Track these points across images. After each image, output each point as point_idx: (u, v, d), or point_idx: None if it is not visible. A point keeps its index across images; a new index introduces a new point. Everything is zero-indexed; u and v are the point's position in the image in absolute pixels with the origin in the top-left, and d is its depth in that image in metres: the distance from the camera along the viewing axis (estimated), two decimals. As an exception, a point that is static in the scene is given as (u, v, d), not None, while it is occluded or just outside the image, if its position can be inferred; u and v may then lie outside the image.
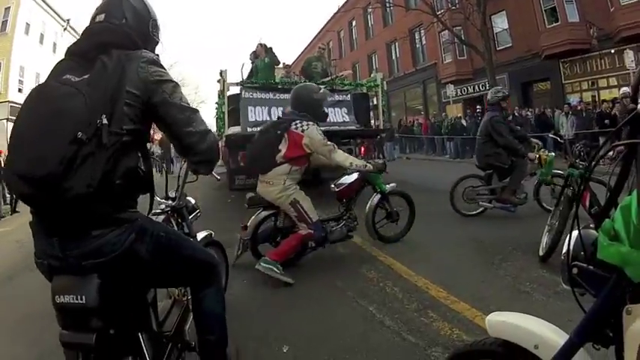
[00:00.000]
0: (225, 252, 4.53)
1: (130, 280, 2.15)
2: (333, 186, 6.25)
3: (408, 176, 15.53)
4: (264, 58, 12.14)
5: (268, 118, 10.30)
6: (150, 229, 2.23)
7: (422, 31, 32.43)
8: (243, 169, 10.89)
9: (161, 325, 2.66)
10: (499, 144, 7.53)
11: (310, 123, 5.29)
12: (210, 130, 2.32)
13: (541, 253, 5.27)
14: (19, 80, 29.93)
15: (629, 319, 1.39)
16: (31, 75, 31.41)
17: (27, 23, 30.85)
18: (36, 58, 31.84)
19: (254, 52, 13.00)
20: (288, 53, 55.97)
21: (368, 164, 5.60)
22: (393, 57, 39.73)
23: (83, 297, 1.97)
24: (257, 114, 10.45)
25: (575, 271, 1.63)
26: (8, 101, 28.24)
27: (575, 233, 1.68)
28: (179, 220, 3.66)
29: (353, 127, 11.12)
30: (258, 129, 6.41)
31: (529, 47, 24.98)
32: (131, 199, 2.18)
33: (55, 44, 35.63)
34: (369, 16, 42.34)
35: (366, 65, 42.02)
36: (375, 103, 13.37)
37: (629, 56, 18.12)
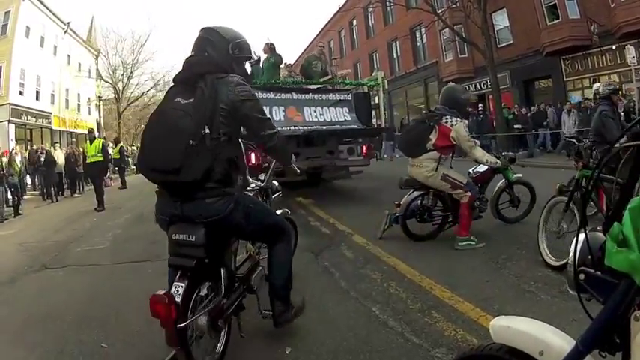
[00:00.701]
0: (296, 227, 5.38)
1: (224, 233, 3.31)
2: (470, 172, 7.03)
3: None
4: (270, 57, 12.11)
5: (269, 118, 10.31)
6: (242, 201, 3.33)
7: (423, 30, 32.45)
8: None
9: (236, 269, 3.85)
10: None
11: (458, 120, 6.14)
12: (275, 132, 3.50)
13: (550, 261, 5.12)
14: (20, 83, 29.85)
15: (637, 326, 1.36)
16: (32, 77, 31.45)
17: (27, 27, 30.77)
18: (37, 60, 31.85)
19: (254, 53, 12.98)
20: (289, 53, 55.90)
21: (498, 161, 6.51)
22: (394, 56, 39.65)
23: (193, 237, 3.06)
24: None
25: (581, 276, 1.58)
26: (9, 103, 28.18)
27: (581, 237, 1.64)
28: (264, 197, 4.79)
29: (354, 126, 11.11)
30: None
31: (530, 44, 24.91)
32: (231, 179, 3.22)
33: (55, 47, 35.63)
34: (369, 15, 42.26)
35: (368, 64, 41.94)
36: (376, 101, 13.38)
37: (630, 53, 18.03)
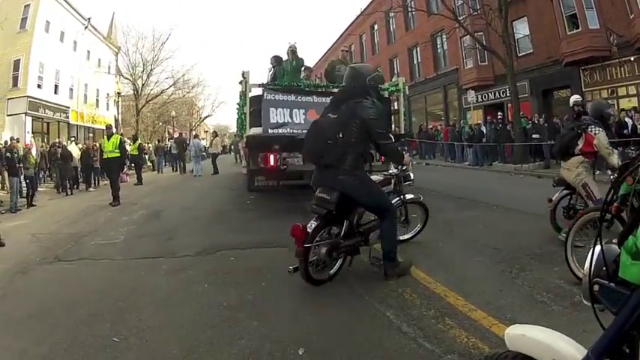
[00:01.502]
0: (427, 210, 7.01)
1: (349, 199, 5.09)
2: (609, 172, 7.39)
3: (427, 182, 15.52)
4: (292, 60, 12.12)
5: (290, 120, 10.39)
6: (366, 181, 5.36)
7: (443, 36, 32.33)
8: (264, 170, 10.88)
9: (358, 225, 5.62)
10: None
11: (600, 129, 6.63)
12: (388, 142, 5.46)
13: (582, 275, 5.10)
14: (39, 76, 30.16)
15: None
16: (50, 71, 31.77)
17: (47, 21, 31.09)
18: (56, 55, 32.15)
19: (275, 57, 12.99)
20: (309, 56, 55.86)
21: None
22: (415, 62, 39.55)
23: (329, 197, 5.02)
24: (279, 116, 10.44)
25: (596, 288, 1.61)
26: (27, 96, 28.49)
27: (597, 249, 1.66)
28: (398, 182, 6.39)
29: None
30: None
31: (550, 54, 24.78)
32: (359, 165, 5.24)
33: (75, 42, 35.94)
34: (390, 21, 42.20)
35: (388, 69, 41.82)
36: (396, 107, 13.34)
37: (649, 65, 17.91)
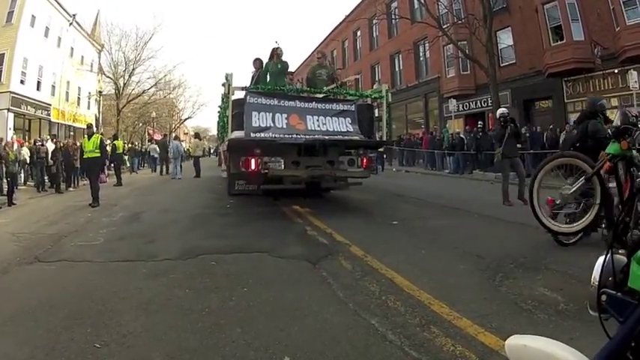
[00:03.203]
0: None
1: None
2: None
3: (408, 189, 15.60)
4: (276, 63, 12.05)
5: (272, 125, 10.29)
6: None
7: (426, 45, 32.54)
8: (244, 174, 10.87)
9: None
10: None
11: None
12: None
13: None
14: (22, 72, 29.82)
15: None
16: (34, 67, 31.37)
17: (33, 15, 30.74)
18: (40, 51, 31.79)
19: (258, 59, 12.93)
20: (291, 61, 55.85)
21: None
22: (396, 69, 39.79)
23: None
24: (261, 120, 10.34)
25: (603, 297, 1.60)
26: (10, 92, 28.11)
27: (604, 259, 1.65)
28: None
29: (356, 138, 10.98)
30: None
31: (532, 64, 25.02)
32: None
33: (59, 38, 35.58)
34: (374, 27, 42.41)
35: (369, 76, 42.07)
36: (378, 114, 13.34)
37: (633, 77, 18.08)
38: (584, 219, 5.54)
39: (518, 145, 12.79)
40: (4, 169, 15.19)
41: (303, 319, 4.16)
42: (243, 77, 14.24)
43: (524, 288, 5.04)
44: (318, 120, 10.79)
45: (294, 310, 4.56)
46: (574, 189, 5.35)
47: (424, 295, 4.84)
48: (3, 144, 16.11)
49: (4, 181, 15.47)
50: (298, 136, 10.23)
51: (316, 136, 10.43)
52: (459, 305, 4.52)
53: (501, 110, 12.35)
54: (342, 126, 10.97)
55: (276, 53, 12.15)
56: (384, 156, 27.57)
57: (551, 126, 22.10)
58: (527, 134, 21.15)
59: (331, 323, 4.19)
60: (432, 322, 4.16)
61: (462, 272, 5.79)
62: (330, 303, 4.73)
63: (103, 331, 4.11)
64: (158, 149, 30.61)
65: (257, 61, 12.82)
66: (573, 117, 22.52)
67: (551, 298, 4.70)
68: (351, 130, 11.02)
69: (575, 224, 5.50)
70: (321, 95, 11.70)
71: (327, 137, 10.54)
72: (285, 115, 10.56)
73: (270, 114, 10.46)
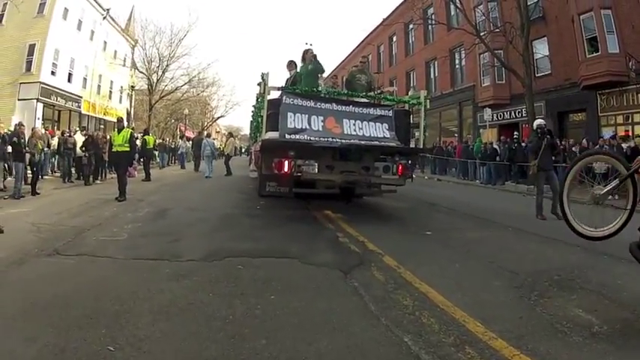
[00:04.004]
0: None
1: None
2: None
3: (441, 198, 15.39)
4: (309, 64, 11.91)
5: (307, 127, 10.18)
6: None
7: (462, 52, 32.33)
8: (276, 175, 10.78)
9: None
10: None
11: None
12: None
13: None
14: (53, 63, 30.39)
15: None
16: (65, 59, 31.99)
17: (65, 8, 31.38)
18: (72, 43, 32.39)
19: (292, 62, 12.82)
20: (326, 63, 56.16)
21: None
22: (432, 76, 39.70)
23: None
24: (297, 121, 10.23)
25: None
26: (39, 82, 28.69)
27: None
28: None
29: (393, 144, 10.80)
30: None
31: (568, 76, 24.72)
32: None
33: (92, 32, 36.26)
34: (410, 33, 42.30)
35: (404, 82, 41.98)
36: (414, 121, 13.14)
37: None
38: (614, 223, 5.28)
39: (554, 158, 12.48)
40: (30, 158, 15.23)
41: (332, 333, 3.96)
42: (279, 77, 14.19)
43: (559, 308, 4.85)
44: (354, 124, 10.64)
45: (324, 322, 4.34)
46: (607, 189, 5.08)
47: (459, 312, 4.63)
48: (31, 134, 16.20)
49: (29, 170, 15.52)
50: (334, 140, 10.08)
51: (352, 141, 10.29)
52: (495, 324, 4.31)
53: (539, 121, 12.09)
54: (379, 131, 10.79)
55: (307, 55, 12.03)
56: (416, 164, 27.30)
57: (584, 139, 21.71)
58: (565, 147, 20.80)
59: (362, 339, 3.97)
60: (467, 342, 3.95)
61: (497, 289, 5.58)
62: (361, 316, 4.51)
63: (119, 333, 3.93)
64: (189, 146, 30.89)
65: (291, 64, 12.72)
66: (606, 130, 22.26)
67: (585, 319, 4.52)
68: (388, 136, 10.83)
69: (606, 228, 5.24)
70: (359, 99, 11.50)
71: (363, 142, 10.38)
72: (321, 118, 10.42)
73: (306, 116, 10.33)
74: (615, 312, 4.76)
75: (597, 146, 19.24)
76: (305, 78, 11.74)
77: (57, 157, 21.58)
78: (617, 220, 5.04)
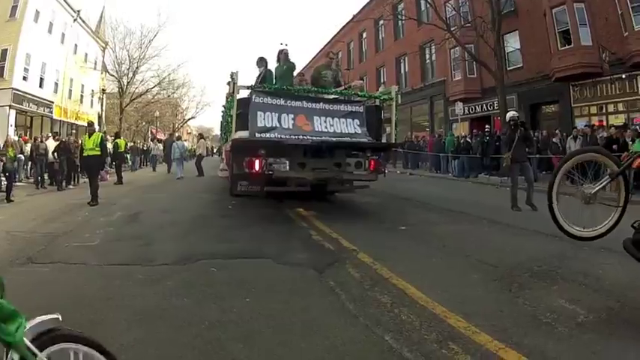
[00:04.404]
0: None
1: None
2: None
3: (414, 193, 15.39)
4: (283, 64, 11.81)
5: (278, 125, 10.11)
6: None
7: (433, 47, 32.47)
8: (247, 175, 10.66)
9: None
10: None
11: None
12: None
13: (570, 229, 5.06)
14: (25, 68, 29.72)
15: None
16: (37, 64, 31.27)
17: (37, 10, 30.65)
18: (43, 47, 31.71)
19: (261, 58, 12.67)
20: (297, 62, 56.22)
21: None
22: (402, 71, 39.82)
23: None
24: (267, 119, 10.13)
25: None
26: (12, 88, 28.03)
27: None
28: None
29: (364, 140, 10.78)
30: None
31: (540, 68, 24.92)
32: None
33: (63, 35, 35.58)
34: (380, 29, 42.43)
35: (374, 78, 42.12)
36: (384, 116, 13.10)
37: (642, 82, 17.92)
38: (605, 222, 5.22)
39: (527, 150, 12.49)
40: (2, 165, 14.98)
41: (310, 335, 3.88)
42: (249, 77, 14.10)
43: (541, 299, 4.80)
44: (325, 121, 10.59)
45: (301, 323, 4.25)
46: (597, 188, 5.00)
47: (439, 307, 4.57)
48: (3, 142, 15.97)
49: (2, 177, 15.26)
50: (305, 137, 10.04)
51: (323, 138, 10.25)
52: (476, 319, 4.25)
53: (511, 113, 12.09)
54: (350, 127, 10.75)
55: (282, 55, 11.93)
56: (389, 159, 27.34)
57: (557, 130, 21.91)
58: (537, 138, 20.95)
59: (342, 339, 3.88)
60: (450, 337, 3.89)
61: (476, 282, 5.53)
62: (339, 316, 4.43)
63: (95, 342, 3.82)
64: (162, 148, 30.75)
65: (261, 61, 12.56)
66: (579, 121, 22.52)
67: (569, 310, 4.49)
68: (359, 132, 10.81)
69: (596, 228, 5.19)
70: (330, 96, 11.42)
71: (334, 139, 10.32)
72: (291, 116, 10.35)
73: (277, 114, 10.25)
74: (600, 301, 4.73)
75: (571, 137, 19.45)
76: (279, 79, 11.63)
77: (30, 163, 21.28)
78: (609, 220, 4.98)
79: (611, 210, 4.99)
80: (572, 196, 5.18)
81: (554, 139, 21.14)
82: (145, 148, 39.60)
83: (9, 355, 2.10)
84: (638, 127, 17.67)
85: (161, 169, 31.32)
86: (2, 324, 2.11)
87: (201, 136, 31.95)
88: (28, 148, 20.96)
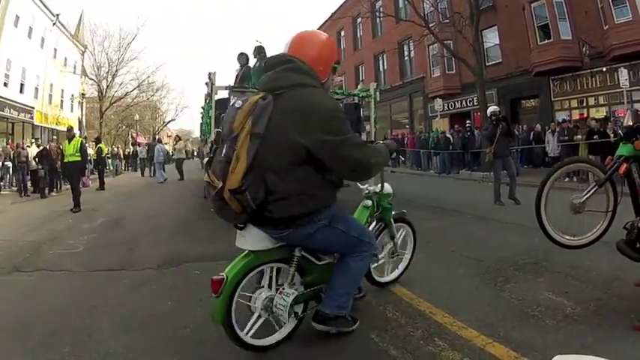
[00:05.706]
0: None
1: None
2: None
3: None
4: (258, 61, 11.74)
5: None
6: None
7: (411, 44, 32.52)
8: None
9: None
10: None
11: None
12: None
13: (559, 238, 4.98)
14: (6, 74, 29.37)
15: None
16: (17, 69, 30.93)
17: (17, 15, 30.30)
18: (23, 52, 31.40)
19: (243, 54, 12.58)
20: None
21: None
22: (381, 69, 39.88)
23: None
24: None
25: None
26: (-8, 95, 27.71)
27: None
28: None
29: None
30: None
31: (519, 63, 25.09)
32: None
33: (43, 39, 35.24)
34: (358, 27, 42.47)
35: (353, 76, 42.12)
36: (364, 113, 13.10)
37: (623, 75, 18.06)
38: (595, 229, 5.23)
39: (510, 144, 12.54)
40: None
41: (296, 337, 3.83)
42: (227, 77, 14.06)
43: (527, 292, 4.81)
44: None
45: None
46: (585, 197, 5.01)
47: (424, 303, 4.58)
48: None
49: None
50: None
51: None
52: (463, 314, 4.26)
53: (492, 108, 12.07)
54: None
55: (257, 51, 11.88)
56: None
57: (537, 124, 22.07)
58: (519, 133, 21.08)
59: (325, 338, 3.85)
60: (436, 333, 3.89)
61: (461, 277, 5.54)
62: (325, 316, 4.40)
63: (82, 350, 3.82)
64: (145, 152, 30.62)
65: (242, 56, 12.48)
66: (560, 115, 22.72)
67: (557, 302, 4.50)
68: None
69: (585, 236, 5.19)
70: None
71: None
72: None
73: None
74: (587, 293, 4.74)
75: (550, 130, 19.63)
76: (254, 74, 11.55)
77: (10, 171, 21.16)
78: (598, 227, 4.99)
79: (600, 216, 5.01)
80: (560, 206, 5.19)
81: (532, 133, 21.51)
82: (127, 153, 39.51)
83: None
84: (619, 128, 17.89)
85: (146, 172, 31.38)
86: None
87: (178, 138, 31.49)
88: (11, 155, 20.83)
